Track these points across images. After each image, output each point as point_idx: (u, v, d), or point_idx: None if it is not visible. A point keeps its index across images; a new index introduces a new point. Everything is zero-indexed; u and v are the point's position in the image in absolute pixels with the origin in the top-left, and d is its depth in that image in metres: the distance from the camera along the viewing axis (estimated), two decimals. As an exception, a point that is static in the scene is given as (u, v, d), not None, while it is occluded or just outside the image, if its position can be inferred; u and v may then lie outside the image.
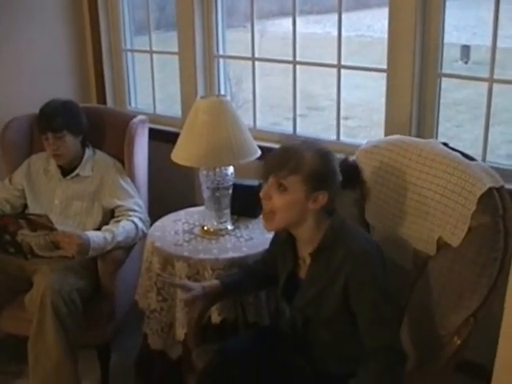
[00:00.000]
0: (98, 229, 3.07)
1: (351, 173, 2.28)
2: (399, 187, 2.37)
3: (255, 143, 2.92)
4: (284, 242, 2.30)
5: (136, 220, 3.08)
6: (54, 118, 3.15)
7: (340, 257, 2.08)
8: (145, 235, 3.06)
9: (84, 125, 3.28)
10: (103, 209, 3.19)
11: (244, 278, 2.57)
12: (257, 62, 3.48)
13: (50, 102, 3.23)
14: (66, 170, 3.26)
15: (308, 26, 3.17)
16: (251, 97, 3.53)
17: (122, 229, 3.02)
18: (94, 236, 2.92)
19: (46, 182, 3.29)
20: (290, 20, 3.27)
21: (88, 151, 3.30)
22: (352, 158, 2.49)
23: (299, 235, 2.20)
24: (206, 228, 2.97)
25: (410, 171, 2.34)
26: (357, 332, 2.07)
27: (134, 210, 3.13)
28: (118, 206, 3.15)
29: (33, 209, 3.25)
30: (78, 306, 2.89)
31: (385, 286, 2.06)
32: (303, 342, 2.26)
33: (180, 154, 2.87)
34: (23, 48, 3.70)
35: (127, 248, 3.09)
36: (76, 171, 3.25)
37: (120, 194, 3.18)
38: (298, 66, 3.30)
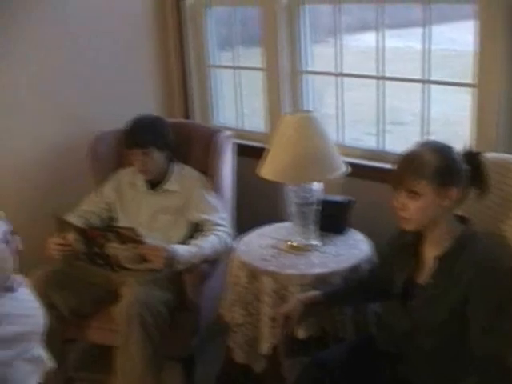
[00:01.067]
0: (183, 242, 3.11)
1: (476, 163, 2.21)
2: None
3: (341, 158, 2.91)
4: (403, 246, 2.28)
5: (222, 234, 3.11)
6: (140, 134, 3.22)
7: (466, 262, 2.06)
8: (231, 249, 3.08)
9: (170, 141, 3.33)
10: (189, 223, 3.23)
11: (350, 289, 2.56)
12: (338, 77, 3.45)
13: (138, 117, 3.31)
14: (153, 184, 3.31)
15: (389, 39, 3.14)
16: (332, 111, 3.51)
17: (208, 243, 3.04)
18: (181, 249, 2.96)
19: (133, 195, 3.35)
20: (370, 34, 3.24)
21: (175, 166, 3.34)
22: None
23: (429, 236, 2.19)
24: (292, 243, 2.97)
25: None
26: (461, 344, 2.03)
27: (220, 225, 3.15)
28: (204, 220, 3.18)
29: (121, 222, 3.32)
30: (164, 318, 2.93)
31: (507, 297, 2.01)
32: (400, 354, 2.23)
33: (268, 169, 2.88)
34: (110, 64, 3.79)
35: (214, 262, 3.11)
36: (163, 185, 3.30)
37: (206, 209, 3.20)
38: (383, 81, 3.26)
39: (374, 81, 3.31)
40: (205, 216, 3.18)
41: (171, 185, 3.29)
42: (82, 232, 3.01)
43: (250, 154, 3.57)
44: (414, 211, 2.11)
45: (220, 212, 3.23)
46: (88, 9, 3.64)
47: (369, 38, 3.35)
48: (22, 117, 3.42)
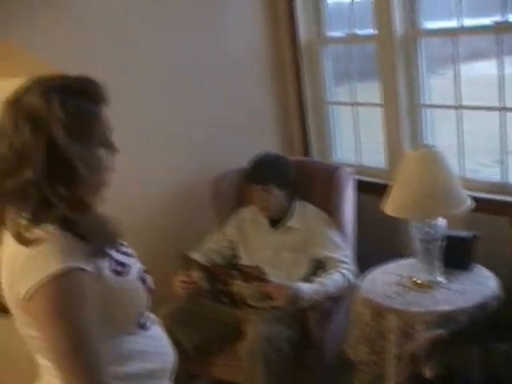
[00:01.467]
0: (305, 280, 3.12)
1: None
2: None
3: (466, 193, 2.86)
4: None
5: (345, 272, 3.10)
6: (261, 171, 3.30)
7: None
8: (354, 286, 3.07)
9: (291, 179, 3.36)
10: (311, 260, 3.24)
11: (477, 328, 2.50)
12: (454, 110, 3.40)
13: (259, 155, 3.39)
14: (275, 222, 3.35)
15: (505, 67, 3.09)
16: (448, 142, 3.45)
17: (332, 281, 3.05)
18: (305, 287, 2.97)
19: (255, 233, 3.40)
20: (481, 63, 3.18)
21: (296, 203, 3.37)
22: None
23: None
24: (416, 280, 2.93)
25: None
26: None
27: (344, 262, 3.15)
28: (328, 258, 3.18)
29: (243, 260, 3.37)
30: (288, 354, 2.94)
31: None
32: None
33: (391, 206, 2.87)
34: (230, 103, 3.89)
35: (337, 299, 3.11)
36: (285, 223, 3.33)
37: (329, 246, 3.21)
38: (505, 112, 3.18)
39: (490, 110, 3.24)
40: (328, 253, 3.19)
41: (293, 222, 3.32)
42: (206, 270, 3.08)
43: (369, 190, 3.57)
44: None
45: (343, 249, 3.23)
46: (209, 50, 3.77)
47: (481, 67, 3.30)
48: (147, 159, 3.55)
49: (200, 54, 3.74)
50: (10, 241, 1.53)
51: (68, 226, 1.49)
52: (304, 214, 3.33)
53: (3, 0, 3.03)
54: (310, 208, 3.37)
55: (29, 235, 1.47)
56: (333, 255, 3.17)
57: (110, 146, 1.61)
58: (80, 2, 3.33)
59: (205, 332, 3.14)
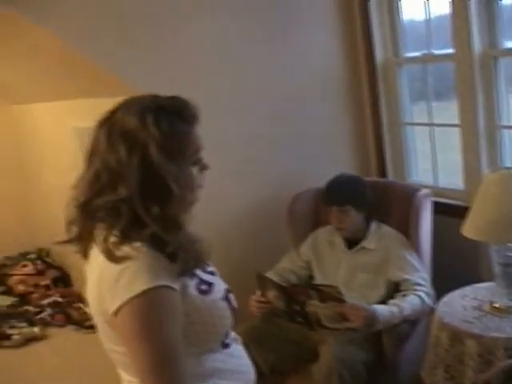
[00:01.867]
0: (382, 302, 3.09)
1: None
2: None
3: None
4: None
5: (422, 295, 3.06)
6: (339, 192, 3.29)
7: None
8: (431, 310, 3.03)
9: (369, 200, 3.35)
10: (388, 282, 3.21)
11: None
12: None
13: (337, 176, 3.38)
14: (351, 243, 3.34)
15: None
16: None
17: (409, 303, 3.01)
18: (381, 310, 2.95)
19: (331, 253, 3.39)
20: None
21: (373, 225, 3.35)
22: None
23: None
24: (495, 305, 2.87)
25: None
26: None
27: (420, 285, 3.11)
28: (404, 280, 3.15)
29: (317, 280, 3.37)
30: (362, 377, 2.92)
31: None
32: None
33: (470, 228, 2.83)
34: (306, 124, 3.92)
35: (413, 322, 3.07)
36: (361, 244, 3.31)
37: (406, 268, 3.17)
38: None
39: None
40: (405, 275, 3.15)
41: (369, 243, 3.30)
42: (282, 289, 3.09)
43: (448, 212, 3.52)
44: None
45: (420, 271, 3.19)
46: (287, 74, 3.82)
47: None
48: (226, 178, 3.59)
49: (278, 77, 3.81)
50: (97, 257, 1.57)
51: (157, 244, 1.52)
52: (380, 235, 3.32)
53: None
54: (387, 229, 3.35)
55: (118, 252, 1.50)
56: (409, 277, 3.14)
57: (201, 164, 1.64)
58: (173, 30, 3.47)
59: (279, 352, 3.13)
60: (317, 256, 3.43)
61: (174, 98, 1.62)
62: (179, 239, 1.55)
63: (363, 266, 3.27)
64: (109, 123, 1.57)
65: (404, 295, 3.07)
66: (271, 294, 3.12)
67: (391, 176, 4.07)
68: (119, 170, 1.52)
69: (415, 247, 3.29)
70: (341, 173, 3.42)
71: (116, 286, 1.49)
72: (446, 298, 3.03)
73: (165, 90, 1.66)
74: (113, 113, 1.59)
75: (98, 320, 1.62)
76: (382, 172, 4.08)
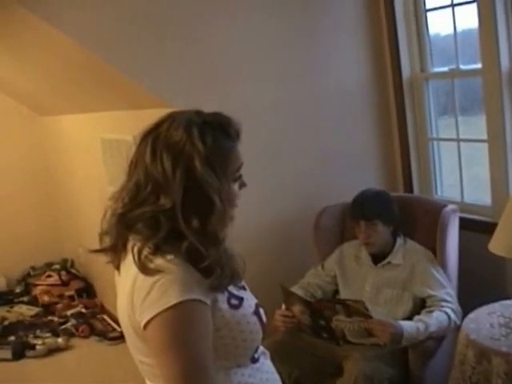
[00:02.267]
0: (408, 318, 3.07)
1: None
2: None
3: None
4: None
5: (449, 311, 3.04)
6: (367, 207, 3.28)
7: None
8: (457, 327, 3.00)
9: (396, 215, 3.34)
10: (414, 298, 3.18)
11: None
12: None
13: (365, 191, 3.38)
14: (377, 258, 3.33)
15: None
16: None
17: (435, 320, 2.99)
18: (407, 326, 2.93)
19: (357, 268, 3.38)
20: None
21: (399, 240, 3.34)
22: None
23: None
24: (524, 323, 2.84)
25: None
26: None
27: (447, 301, 3.08)
28: (430, 296, 3.12)
29: (342, 295, 3.35)
30: (388, 393, 2.90)
31: None
32: None
33: (499, 244, 2.80)
34: (333, 138, 3.93)
35: (439, 339, 3.04)
36: (387, 259, 3.30)
37: (432, 284, 3.15)
38: None
39: None
40: (431, 291, 3.13)
41: (395, 258, 3.29)
42: (307, 304, 3.09)
43: (475, 228, 3.50)
44: None
45: (446, 288, 3.16)
46: (311, 87, 3.84)
47: None
48: (253, 190, 3.58)
49: (307, 91, 3.83)
50: (129, 269, 1.57)
51: (192, 257, 1.52)
52: (407, 251, 3.30)
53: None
54: (413, 244, 3.34)
55: (150, 265, 1.51)
56: (435, 293, 3.12)
57: (241, 181, 1.67)
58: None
59: (303, 366, 3.11)
60: (343, 271, 3.42)
61: (217, 114, 1.64)
62: (217, 254, 1.55)
63: (389, 282, 3.25)
64: (154, 135, 1.58)
65: (430, 311, 3.05)
66: (296, 308, 3.12)
67: (417, 191, 4.05)
68: (162, 182, 1.53)
69: (442, 263, 3.26)
70: (368, 188, 3.42)
71: (147, 299, 1.49)
72: (473, 315, 3.00)
73: (198, 104, 1.68)
74: (158, 125, 1.61)
75: (127, 331, 1.62)
76: (409, 187, 4.06)
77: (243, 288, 1.71)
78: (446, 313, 3.03)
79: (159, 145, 1.56)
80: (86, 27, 3.21)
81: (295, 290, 3.33)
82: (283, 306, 3.20)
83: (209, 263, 1.52)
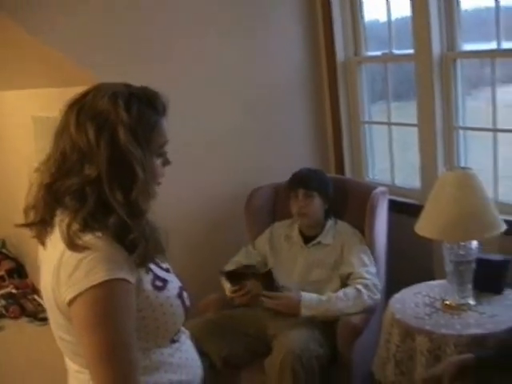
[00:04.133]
0: None
1: None
2: None
3: (500, 217, 2.85)
4: None
5: (360, 287, 3.11)
6: (308, 177, 3.36)
7: None
8: (375, 304, 3.10)
9: (331, 195, 3.40)
10: (341, 277, 3.25)
11: (505, 354, 2.46)
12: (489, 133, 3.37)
13: (304, 168, 3.46)
14: (308, 238, 3.37)
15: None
16: (481, 167, 3.41)
17: (343, 294, 3.09)
18: (307, 295, 3.06)
19: (287, 248, 3.41)
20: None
21: (330, 221, 3.39)
22: None
23: None
24: (447, 302, 2.91)
25: None
26: None
27: (363, 277, 3.15)
28: (350, 274, 3.20)
29: (275, 274, 3.39)
30: (316, 373, 2.93)
31: None
32: None
33: (425, 227, 2.86)
34: (267, 120, 3.93)
35: (366, 318, 3.10)
36: (318, 239, 3.34)
37: (354, 262, 3.22)
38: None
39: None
40: (351, 269, 3.21)
41: (325, 238, 3.35)
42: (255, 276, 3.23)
43: (403, 210, 3.57)
44: None
45: (368, 266, 3.23)
46: (246, 70, 3.84)
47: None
48: (187, 170, 3.57)
49: (243, 76, 3.84)
50: (56, 244, 1.56)
51: (119, 234, 1.51)
52: (337, 232, 3.36)
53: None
54: (344, 225, 3.39)
55: (78, 241, 1.49)
56: (355, 270, 3.19)
57: (164, 158, 1.66)
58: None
59: (233, 345, 3.13)
60: (273, 251, 3.45)
61: (145, 88, 1.63)
62: (141, 227, 1.55)
63: (319, 262, 3.30)
64: (79, 105, 1.57)
65: (344, 288, 3.15)
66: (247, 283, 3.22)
67: (349, 174, 4.11)
68: (87, 151, 1.52)
69: (370, 244, 3.33)
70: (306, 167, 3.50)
71: (74, 275, 1.48)
72: (399, 295, 3.07)
73: (129, 81, 1.66)
74: (84, 95, 1.59)
75: (50, 307, 1.60)
76: (341, 170, 4.11)
77: (167, 270, 1.71)
78: (359, 290, 3.10)
79: (84, 114, 1.54)
80: (18, 2, 3.12)
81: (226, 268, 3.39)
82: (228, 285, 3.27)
83: (134, 236, 1.52)
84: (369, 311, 3.12)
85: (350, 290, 3.11)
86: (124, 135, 1.52)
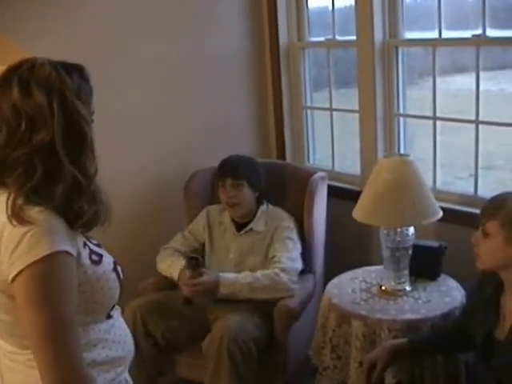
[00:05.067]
0: None
1: None
2: None
3: (437, 204, 2.88)
4: (487, 298, 2.25)
5: (277, 271, 3.10)
6: (236, 166, 3.30)
7: None
8: (291, 289, 3.09)
9: (262, 183, 3.36)
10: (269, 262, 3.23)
11: (436, 338, 2.51)
12: (430, 121, 3.41)
13: (234, 154, 3.39)
14: (240, 225, 3.35)
15: (483, 82, 3.12)
16: (422, 154, 3.46)
17: (260, 274, 3.09)
18: (226, 274, 3.08)
19: (221, 235, 3.40)
20: (463, 77, 3.19)
21: (262, 207, 3.37)
22: None
23: (507, 287, 2.17)
24: (383, 288, 2.94)
25: None
26: None
27: (281, 262, 3.14)
28: (272, 258, 3.20)
29: (208, 261, 3.37)
30: (254, 355, 2.94)
31: None
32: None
33: (362, 212, 2.88)
34: (210, 104, 3.89)
35: (303, 302, 3.12)
36: (249, 226, 3.33)
37: (277, 247, 3.21)
38: (478, 125, 3.20)
39: (466, 124, 3.27)
40: (274, 252, 3.20)
41: (257, 225, 3.33)
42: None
43: (343, 196, 3.59)
44: (482, 250, 2.18)
45: (291, 251, 3.21)
46: (193, 52, 3.78)
47: (461, 80, 3.31)
48: (125, 152, 3.53)
49: (184, 56, 3.76)
50: None
51: (63, 206, 1.51)
52: (269, 217, 3.34)
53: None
54: (276, 211, 3.38)
55: (22, 215, 1.47)
56: (276, 254, 3.18)
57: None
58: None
59: (174, 327, 3.13)
60: (210, 238, 3.41)
61: (72, 63, 1.63)
62: (91, 190, 1.56)
63: (253, 249, 3.29)
64: (17, 75, 1.54)
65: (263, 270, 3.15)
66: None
67: (290, 159, 4.10)
68: (38, 116, 1.50)
69: (308, 229, 3.34)
70: (236, 154, 3.43)
71: (17, 251, 1.45)
72: (336, 280, 3.09)
73: (54, 56, 1.63)
74: (16, 68, 1.56)
75: None
76: (282, 155, 4.11)
77: (99, 246, 1.70)
78: (276, 273, 3.08)
79: (28, 82, 1.52)
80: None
81: (165, 257, 3.34)
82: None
83: (80, 205, 1.53)
84: (292, 296, 3.10)
85: (267, 273, 3.09)
86: (72, 99, 1.54)
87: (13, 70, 1.55)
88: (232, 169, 3.28)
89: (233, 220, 3.36)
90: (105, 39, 3.42)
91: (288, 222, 3.31)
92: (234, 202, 3.28)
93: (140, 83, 3.57)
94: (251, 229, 3.32)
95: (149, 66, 3.60)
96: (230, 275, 3.09)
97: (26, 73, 1.53)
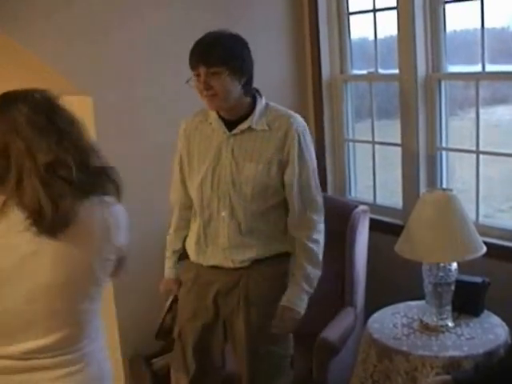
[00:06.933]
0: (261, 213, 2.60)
1: None
2: None
3: (480, 239, 2.85)
4: None
5: (311, 245, 2.64)
6: (210, 49, 2.51)
7: None
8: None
9: (249, 63, 2.62)
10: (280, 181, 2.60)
11: (481, 377, 2.46)
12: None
13: (210, 32, 2.58)
14: (231, 124, 2.60)
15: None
16: (464, 187, 3.42)
17: (306, 270, 2.60)
18: (292, 299, 2.58)
19: (206, 135, 2.65)
20: (504, 107, 3.16)
21: (260, 99, 2.65)
22: None
23: None
24: (425, 323, 2.91)
25: None
26: None
27: (310, 228, 2.66)
28: (292, 217, 2.64)
29: (191, 176, 2.68)
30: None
31: None
32: None
33: (405, 247, 2.87)
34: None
35: (344, 336, 3.10)
36: (246, 123, 2.59)
37: (304, 191, 2.64)
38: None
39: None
40: (304, 212, 2.64)
41: (256, 122, 2.59)
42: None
43: (385, 230, 3.57)
44: None
45: (310, 187, 2.66)
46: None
47: (501, 111, 3.28)
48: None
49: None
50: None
51: None
52: (271, 112, 2.64)
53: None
54: (277, 108, 2.68)
55: None
56: (311, 216, 2.65)
57: None
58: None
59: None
60: (188, 147, 2.70)
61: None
62: None
63: (252, 153, 2.58)
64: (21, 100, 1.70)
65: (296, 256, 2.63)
66: None
67: (331, 192, 4.09)
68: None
69: (350, 263, 3.32)
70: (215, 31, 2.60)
71: None
72: (377, 315, 3.06)
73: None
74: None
75: None
76: (323, 188, 4.05)
77: None
78: (304, 249, 2.62)
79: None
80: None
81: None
82: None
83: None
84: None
85: (307, 264, 2.58)
86: None
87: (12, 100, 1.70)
88: (204, 53, 2.50)
89: (221, 117, 2.62)
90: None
91: (304, 131, 2.65)
92: (211, 94, 2.50)
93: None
94: (249, 127, 2.58)
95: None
96: (290, 293, 2.57)
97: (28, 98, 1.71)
